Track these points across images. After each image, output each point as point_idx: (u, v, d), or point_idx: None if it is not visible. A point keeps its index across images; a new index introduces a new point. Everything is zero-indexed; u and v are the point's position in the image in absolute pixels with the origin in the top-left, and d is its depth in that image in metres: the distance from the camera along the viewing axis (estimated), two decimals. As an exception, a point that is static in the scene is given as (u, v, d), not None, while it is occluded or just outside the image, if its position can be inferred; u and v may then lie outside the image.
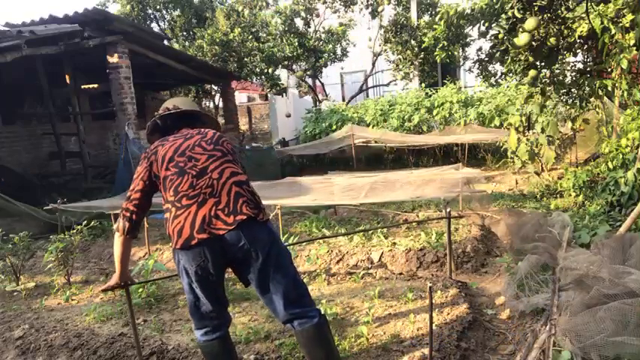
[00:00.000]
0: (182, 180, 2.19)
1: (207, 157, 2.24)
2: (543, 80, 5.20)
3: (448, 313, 3.14)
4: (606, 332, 2.27)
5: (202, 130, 2.43)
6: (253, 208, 2.15)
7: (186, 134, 2.39)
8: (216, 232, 2.07)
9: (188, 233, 2.08)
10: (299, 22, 13.43)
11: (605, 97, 5.76)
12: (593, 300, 2.52)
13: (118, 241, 2.37)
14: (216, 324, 2.33)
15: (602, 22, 4.68)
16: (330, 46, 13.49)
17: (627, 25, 4.60)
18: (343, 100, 15.66)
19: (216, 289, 2.26)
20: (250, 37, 12.81)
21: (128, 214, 2.31)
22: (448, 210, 3.81)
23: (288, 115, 15.32)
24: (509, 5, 4.51)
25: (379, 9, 13.14)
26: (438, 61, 8.28)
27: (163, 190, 2.28)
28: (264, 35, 13.19)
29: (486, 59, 5.56)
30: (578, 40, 5.23)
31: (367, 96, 15.32)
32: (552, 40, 4.76)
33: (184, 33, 14.65)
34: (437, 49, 5.80)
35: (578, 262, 3.09)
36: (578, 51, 5.55)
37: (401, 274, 4.24)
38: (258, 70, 12.81)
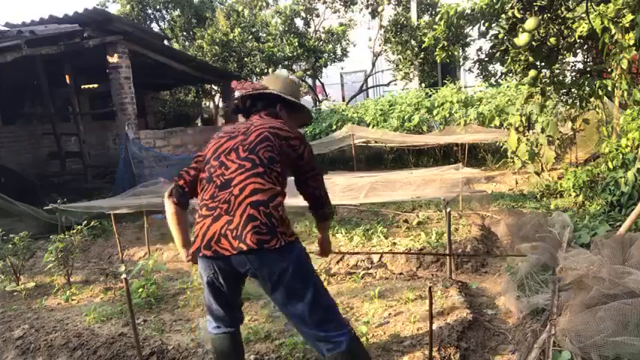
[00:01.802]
0: (208, 187, 2.11)
1: (236, 167, 2.07)
2: (543, 80, 5.20)
3: (448, 313, 3.14)
4: (606, 332, 2.26)
5: (255, 125, 2.19)
6: (264, 234, 1.94)
7: (235, 131, 2.20)
8: (221, 252, 1.99)
9: (198, 244, 2.05)
10: (299, 22, 13.44)
11: (605, 97, 5.75)
12: (593, 300, 2.52)
13: (168, 211, 2.31)
14: (227, 322, 2.33)
15: (602, 22, 4.68)
16: (330, 46, 13.50)
17: (627, 25, 4.60)
18: (343, 100, 15.67)
19: (227, 299, 2.22)
20: (250, 37, 12.81)
21: (178, 180, 2.26)
22: (448, 210, 3.81)
23: (288, 115, 15.31)
24: (509, 5, 4.51)
25: (379, 9, 13.14)
26: (438, 61, 8.28)
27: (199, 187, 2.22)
28: (264, 35, 13.19)
29: (486, 59, 5.56)
30: (578, 40, 5.24)
31: (367, 96, 15.33)
32: (552, 40, 4.76)
33: (184, 33, 14.65)
34: (437, 49, 5.80)
35: (578, 262, 3.09)
36: (578, 51, 5.56)
37: (401, 274, 4.24)
38: (258, 70, 12.80)
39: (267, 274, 1.99)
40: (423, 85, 12.66)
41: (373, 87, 15.55)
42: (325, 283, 4.09)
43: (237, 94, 2.41)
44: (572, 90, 5.57)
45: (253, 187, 2.00)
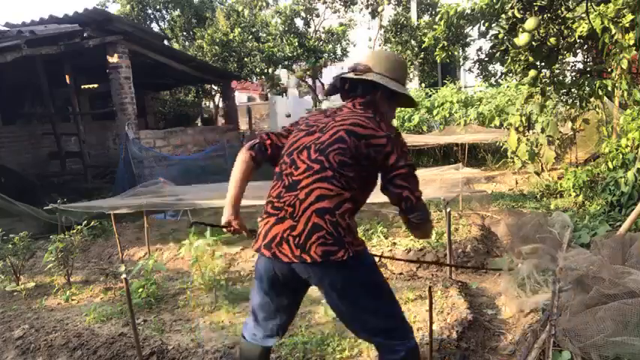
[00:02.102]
0: (276, 185, 1.98)
1: (305, 167, 1.90)
2: (543, 80, 5.21)
3: (448, 313, 3.14)
4: (606, 332, 2.26)
5: (336, 120, 1.97)
6: (330, 245, 1.79)
7: (314, 126, 2.01)
8: (280, 257, 1.87)
9: (260, 242, 1.95)
10: (299, 22, 13.44)
11: (605, 97, 5.76)
12: (593, 300, 2.52)
13: (239, 159, 2.14)
14: (267, 332, 2.13)
15: (602, 22, 4.68)
16: (330, 46, 13.50)
17: (627, 25, 4.60)
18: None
19: (279, 306, 2.07)
20: (250, 37, 12.81)
21: (266, 139, 2.13)
22: (448, 210, 3.81)
23: (288, 115, 15.32)
24: (509, 5, 4.51)
25: (379, 9, 13.14)
26: (438, 61, 8.28)
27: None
28: (264, 35, 13.19)
29: (486, 59, 5.56)
30: (578, 40, 5.24)
31: (367, 96, 15.30)
32: (552, 40, 4.76)
33: (184, 33, 14.65)
34: (437, 49, 5.80)
35: (578, 262, 3.09)
36: (578, 51, 5.56)
37: (401, 274, 4.24)
38: (258, 70, 12.80)
39: (329, 284, 1.87)
40: (423, 85, 12.66)
41: (373, 87, 15.53)
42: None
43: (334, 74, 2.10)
44: (572, 90, 5.57)
45: (319, 193, 1.85)
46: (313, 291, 4.07)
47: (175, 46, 13.99)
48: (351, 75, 2.04)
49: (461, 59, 10.70)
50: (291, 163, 1.95)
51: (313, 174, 1.87)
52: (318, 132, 1.97)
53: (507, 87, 9.90)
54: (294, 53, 12.71)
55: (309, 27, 13.73)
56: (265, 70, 12.98)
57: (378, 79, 2.02)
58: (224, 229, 2.21)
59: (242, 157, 2.13)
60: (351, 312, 1.93)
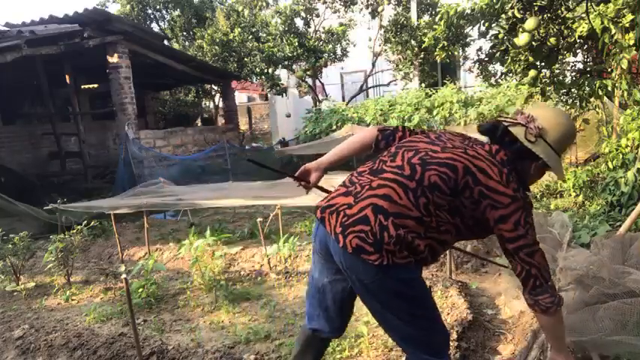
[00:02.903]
0: (366, 164, 1.88)
1: (397, 165, 1.77)
2: (543, 80, 5.20)
3: (448, 313, 3.15)
4: (605, 331, 2.26)
5: (467, 149, 1.78)
6: (367, 243, 1.65)
7: (442, 139, 1.86)
8: (325, 224, 1.77)
9: (321, 203, 1.84)
10: (299, 22, 13.43)
11: (605, 97, 5.75)
12: (593, 299, 2.52)
13: (362, 131, 2.10)
14: (317, 314, 2.01)
15: (602, 22, 4.68)
16: (330, 46, 13.49)
17: (627, 25, 4.60)
18: (343, 100, 15.66)
19: (324, 285, 1.96)
20: (250, 37, 12.81)
21: (400, 127, 2.05)
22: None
23: (288, 115, 15.31)
24: (509, 5, 4.51)
25: (379, 9, 13.14)
26: (438, 61, 8.28)
27: None
28: (264, 35, 13.18)
29: (486, 59, 5.56)
30: (578, 40, 5.24)
31: (367, 96, 15.32)
32: (552, 40, 4.76)
33: (184, 33, 14.65)
34: (437, 49, 5.80)
35: (578, 262, 3.09)
36: (578, 51, 5.55)
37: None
38: (258, 70, 12.80)
39: (357, 279, 1.74)
40: (423, 85, 12.65)
41: (373, 87, 15.54)
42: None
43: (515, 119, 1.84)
44: (572, 90, 5.57)
45: (387, 193, 1.69)
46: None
47: (175, 46, 13.99)
48: (521, 137, 1.76)
49: (461, 59, 10.70)
50: (392, 154, 1.83)
51: (399, 174, 1.73)
52: (439, 147, 1.79)
53: (507, 87, 9.89)
54: (294, 53, 12.70)
55: (309, 27, 13.72)
56: (265, 70, 12.97)
57: (548, 155, 1.76)
58: (294, 180, 2.09)
59: (367, 133, 2.04)
60: (378, 314, 1.82)
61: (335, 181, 2.04)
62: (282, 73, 14.23)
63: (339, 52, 13.74)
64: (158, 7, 14.83)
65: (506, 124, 1.82)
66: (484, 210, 1.69)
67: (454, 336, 2.81)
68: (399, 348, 2.00)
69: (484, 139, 1.93)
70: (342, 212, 1.74)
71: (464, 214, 1.72)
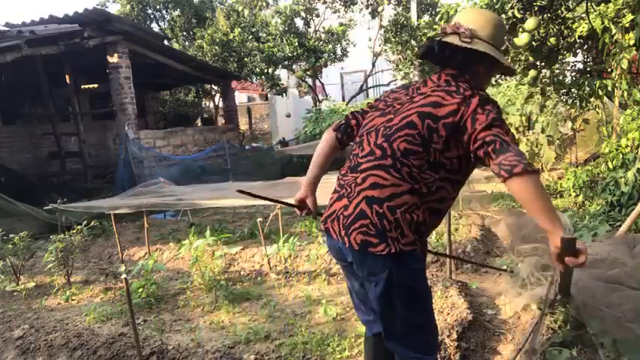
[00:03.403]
0: (346, 163, 1.90)
1: (368, 152, 1.80)
2: (543, 80, 5.20)
3: (448, 313, 3.14)
4: (624, 316, 2.24)
5: (414, 100, 1.78)
6: (371, 236, 1.69)
7: (390, 105, 1.86)
8: (331, 232, 1.83)
9: (324, 216, 1.89)
10: (299, 22, 13.43)
11: (605, 97, 5.76)
12: (612, 278, 2.50)
13: (323, 138, 2.08)
14: (372, 318, 2.01)
15: (602, 22, 4.68)
16: (330, 46, 13.50)
17: (627, 25, 4.60)
18: (343, 100, 15.66)
19: (352, 286, 2.00)
20: (250, 37, 12.81)
21: (351, 118, 2.04)
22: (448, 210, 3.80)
23: (288, 115, 15.32)
24: (509, 5, 4.51)
25: (379, 9, 13.14)
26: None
27: None
28: (264, 35, 13.19)
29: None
30: (578, 40, 5.23)
31: (367, 96, 15.33)
32: (552, 40, 4.76)
33: (184, 33, 14.65)
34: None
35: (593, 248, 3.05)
36: (578, 51, 5.55)
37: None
38: (258, 70, 12.80)
39: (367, 274, 1.78)
40: (423, 85, 12.61)
41: (373, 87, 15.54)
42: (325, 284, 4.12)
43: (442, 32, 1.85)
44: (572, 90, 5.57)
45: (373, 181, 1.73)
46: (313, 291, 4.08)
47: (175, 46, 13.99)
48: (457, 42, 1.77)
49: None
50: (359, 144, 1.86)
51: (373, 160, 1.76)
52: (391, 113, 1.82)
53: (507, 87, 9.89)
54: (294, 53, 12.71)
55: (309, 27, 13.72)
56: (265, 70, 12.97)
57: (490, 50, 1.77)
58: (296, 210, 2.16)
59: (326, 137, 2.07)
60: (381, 309, 1.82)
61: (333, 180, 2.06)
62: (282, 73, 14.23)
63: (339, 52, 13.75)
64: (158, 7, 14.83)
65: (438, 38, 1.84)
66: (456, 137, 1.68)
67: (454, 336, 2.81)
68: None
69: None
70: (341, 215, 1.78)
71: (444, 163, 1.72)
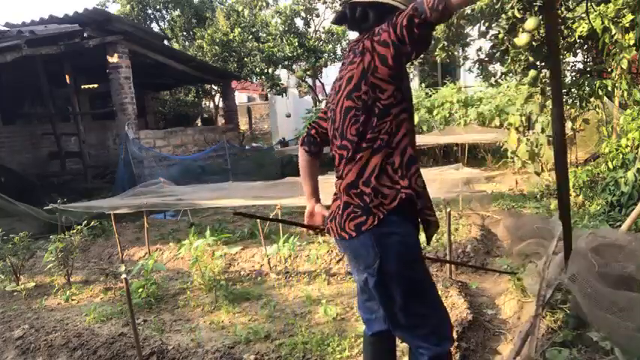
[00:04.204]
0: (335, 171, 1.95)
1: (339, 157, 1.87)
2: (543, 80, 5.20)
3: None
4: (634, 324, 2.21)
5: (340, 89, 1.83)
6: (359, 216, 1.76)
7: (332, 108, 1.91)
8: (331, 232, 1.92)
9: (327, 217, 1.99)
10: (299, 22, 13.43)
11: (605, 97, 5.75)
12: (615, 271, 2.48)
13: (300, 158, 2.14)
14: (372, 317, 2.03)
15: (602, 22, 4.68)
16: (330, 46, 13.49)
17: (627, 25, 4.60)
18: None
19: (363, 281, 1.97)
20: (250, 37, 12.81)
21: (310, 129, 2.10)
22: (448, 210, 3.81)
23: (288, 115, 15.32)
24: (509, 5, 4.51)
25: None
26: (438, 61, 8.27)
27: None
28: (264, 35, 13.19)
29: (486, 59, 5.55)
30: (578, 40, 5.23)
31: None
32: (552, 40, 4.75)
33: (184, 33, 14.65)
34: (437, 49, 5.79)
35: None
36: (578, 51, 5.55)
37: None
38: (258, 70, 12.80)
39: (364, 267, 1.81)
40: (423, 85, 12.65)
41: (373, 87, 15.53)
42: (325, 284, 4.12)
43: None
44: (572, 90, 5.57)
45: (347, 172, 1.82)
46: (313, 291, 4.08)
47: (175, 46, 13.99)
48: None
49: (461, 59, 10.68)
50: (334, 157, 1.92)
51: (345, 160, 1.83)
52: (333, 115, 1.89)
53: (507, 87, 9.89)
54: (294, 53, 12.70)
55: (309, 27, 13.72)
56: (265, 70, 12.97)
57: (393, 2, 1.76)
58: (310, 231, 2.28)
59: (301, 156, 2.14)
60: (381, 300, 1.83)
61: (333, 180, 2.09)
62: (282, 73, 14.23)
63: (339, 52, 13.74)
64: (158, 7, 14.83)
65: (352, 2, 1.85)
66: (379, 75, 1.70)
67: (454, 336, 2.81)
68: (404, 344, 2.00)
69: None
70: (337, 215, 1.87)
71: (388, 104, 1.74)
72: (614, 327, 2.26)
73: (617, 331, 2.26)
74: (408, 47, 1.61)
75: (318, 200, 2.17)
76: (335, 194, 1.93)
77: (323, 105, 13.19)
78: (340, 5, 13.50)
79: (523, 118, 7.47)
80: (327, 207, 2.05)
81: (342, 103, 1.82)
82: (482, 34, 5.21)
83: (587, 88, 5.26)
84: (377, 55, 1.67)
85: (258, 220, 4.66)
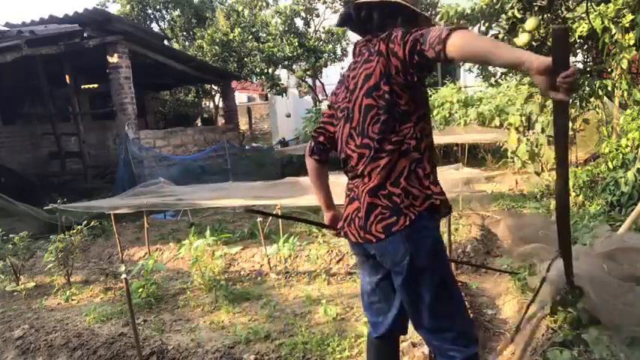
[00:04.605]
0: (347, 172, 1.92)
1: (357, 157, 1.83)
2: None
3: (448, 313, 3.14)
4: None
5: (353, 92, 1.81)
6: (389, 217, 1.72)
7: (345, 108, 1.88)
8: (349, 236, 1.87)
9: (341, 223, 1.94)
10: (299, 22, 13.43)
11: (605, 97, 5.75)
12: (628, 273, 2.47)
13: (309, 168, 2.10)
14: (379, 320, 2.00)
15: (602, 22, 4.68)
16: (330, 46, 13.49)
17: (627, 25, 4.61)
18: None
19: (371, 291, 1.99)
20: (250, 37, 12.81)
21: (318, 137, 2.06)
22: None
23: (288, 115, 15.32)
24: (509, 5, 4.51)
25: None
26: (438, 61, 8.21)
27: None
28: (264, 35, 13.19)
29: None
30: (578, 40, 5.24)
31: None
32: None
33: (184, 33, 14.65)
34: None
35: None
36: (578, 51, 5.55)
37: (401, 274, 4.23)
38: (258, 70, 12.80)
39: (392, 264, 1.78)
40: (423, 85, 12.61)
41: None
42: (325, 284, 4.12)
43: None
44: (572, 90, 5.57)
45: (372, 175, 1.77)
46: (313, 291, 4.07)
47: (175, 46, 13.99)
48: None
49: (461, 59, 10.68)
50: (348, 156, 1.88)
51: (366, 160, 1.79)
52: (350, 113, 1.85)
53: (507, 87, 9.89)
54: (294, 53, 12.70)
55: (309, 27, 13.72)
56: (265, 70, 12.97)
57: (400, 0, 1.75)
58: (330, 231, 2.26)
59: (310, 166, 2.11)
60: (408, 300, 1.80)
61: (336, 180, 2.08)
62: (282, 73, 14.23)
63: (339, 52, 13.74)
64: (158, 7, 14.83)
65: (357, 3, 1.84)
66: (395, 81, 1.69)
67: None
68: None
69: None
70: (356, 218, 1.82)
71: (408, 109, 1.73)
72: (623, 318, 2.24)
73: (625, 322, 2.24)
74: (410, 69, 1.62)
75: (334, 207, 2.17)
76: (350, 196, 1.87)
77: (323, 105, 13.20)
78: (341, 5, 13.52)
79: (523, 118, 7.47)
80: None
81: (360, 101, 1.79)
82: (482, 34, 5.22)
83: (587, 88, 5.26)
84: (391, 64, 1.67)
85: (259, 220, 4.66)
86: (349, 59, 14.43)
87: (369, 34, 1.82)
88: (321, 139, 2.05)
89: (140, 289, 4.00)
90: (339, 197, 2.09)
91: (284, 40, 12.82)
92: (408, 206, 1.72)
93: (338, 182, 2.24)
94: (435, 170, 1.82)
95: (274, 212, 5.20)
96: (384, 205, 1.74)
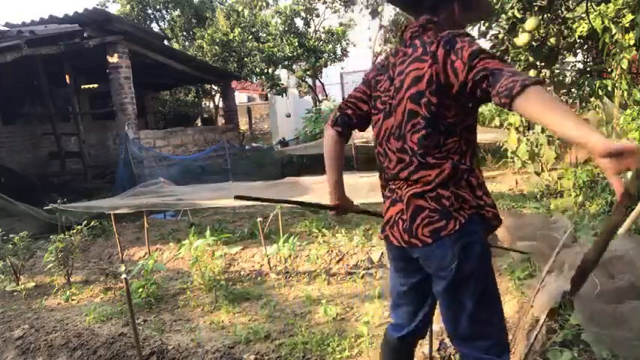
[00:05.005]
0: (381, 171, 1.85)
1: (396, 161, 1.75)
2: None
3: (448, 313, 3.14)
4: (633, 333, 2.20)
5: (398, 89, 1.70)
6: (437, 221, 1.64)
7: (386, 103, 1.77)
8: (391, 239, 1.79)
9: (383, 223, 1.85)
10: (299, 22, 13.44)
11: (605, 97, 5.75)
12: (622, 286, 2.46)
13: (327, 138, 1.96)
14: (399, 322, 1.97)
15: (602, 22, 4.69)
16: (330, 46, 13.50)
17: (627, 25, 4.61)
18: (343, 100, 15.67)
19: (404, 292, 1.93)
20: (250, 37, 12.82)
21: (345, 108, 1.93)
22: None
23: (288, 115, 15.32)
24: (509, 5, 4.51)
25: (379, 9, 13.15)
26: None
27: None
28: (264, 35, 13.19)
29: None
30: (578, 40, 5.24)
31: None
32: (552, 40, 4.76)
33: (184, 33, 14.65)
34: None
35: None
36: (578, 51, 5.55)
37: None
38: (258, 70, 12.80)
39: (436, 269, 1.70)
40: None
41: (373, 87, 15.53)
42: (325, 284, 4.12)
43: None
44: (572, 90, 5.58)
45: (417, 180, 1.69)
46: (313, 291, 4.07)
47: (175, 46, 13.99)
48: None
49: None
50: (384, 155, 1.80)
51: (404, 166, 1.71)
52: (392, 110, 1.74)
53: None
54: (294, 53, 12.71)
55: (309, 27, 13.72)
56: (265, 70, 12.97)
57: None
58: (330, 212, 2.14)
59: (330, 137, 1.96)
60: (448, 305, 1.74)
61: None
62: (282, 73, 14.24)
63: (339, 52, 13.75)
64: (158, 7, 14.83)
65: None
66: (446, 93, 1.58)
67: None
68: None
69: None
70: (400, 220, 1.74)
71: (454, 122, 1.64)
72: (617, 341, 2.24)
73: (619, 344, 2.24)
74: (467, 96, 1.54)
75: (343, 194, 2.06)
76: (391, 198, 1.79)
77: (323, 105, 13.20)
78: (341, 5, 13.52)
79: (523, 118, 7.46)
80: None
81: (405, 104, 1.68)
82: (483, 34, 5.22)
83: (587, 88, 5.27)
84: (446, 77, 1.55)
85: (259, 220, 4.66)
86: (349, 59, 14.41)
87: (421, 15, 1.69)
88: (349, 112, 1.93)
89: (140, 289, 4.00)
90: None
91: (284, 40, 12.82)
92: (458, 209, 1.63)
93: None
94: (484, 181, 1.74)
95: (275, 212, 5.21)
96: (432, 208, 1.65)
